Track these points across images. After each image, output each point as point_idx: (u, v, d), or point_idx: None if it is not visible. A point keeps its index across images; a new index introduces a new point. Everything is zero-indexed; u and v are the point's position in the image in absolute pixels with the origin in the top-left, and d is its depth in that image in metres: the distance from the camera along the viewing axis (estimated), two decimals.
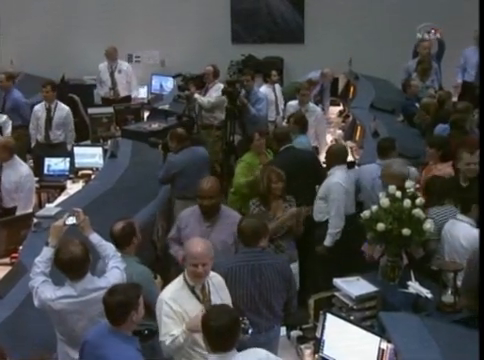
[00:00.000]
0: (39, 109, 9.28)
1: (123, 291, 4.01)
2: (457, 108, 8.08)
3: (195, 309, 4.32)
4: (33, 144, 9.34)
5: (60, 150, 9.07)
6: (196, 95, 9.18)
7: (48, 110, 9.21)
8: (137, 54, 12.82)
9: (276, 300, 4.84)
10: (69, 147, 9.20)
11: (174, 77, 10.87)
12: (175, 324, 4.29)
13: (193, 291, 4.43)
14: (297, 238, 6.15)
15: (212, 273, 4.56)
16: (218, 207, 5.64)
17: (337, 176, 6.51)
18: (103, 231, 4.92)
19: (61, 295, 4.38)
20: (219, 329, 3.77)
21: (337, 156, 6.67)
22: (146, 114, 10.16)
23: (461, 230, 5.39)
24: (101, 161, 8.50)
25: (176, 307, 4.33)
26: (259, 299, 4.77)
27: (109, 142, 8.85)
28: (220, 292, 4.53)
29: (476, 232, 5.32)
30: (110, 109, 9.65)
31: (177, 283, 4.49)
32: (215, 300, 4.46)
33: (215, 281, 4.54)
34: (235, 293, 4.70)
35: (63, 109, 9.28)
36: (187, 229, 5.61)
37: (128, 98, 11.08)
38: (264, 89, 9.81)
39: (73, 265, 4.36)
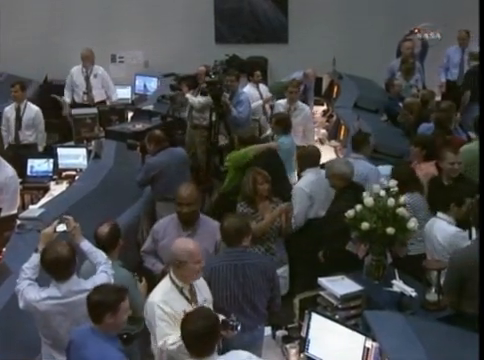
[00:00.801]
0: (8, 110, 9.23)
1: (105, 292, 4.01)
2: (440, 107, 8.12)
3: (186, 309, 4.31)
4: (6, 146, 9.28)
5: (32, 151, 8.99)
6: (187, 95, 9.16)
7: (17, 110, 9.15)
8: (120, 54, 12.76)
9: (260, 299, 4.86)
10: (40, 148, 9.14)
11: (166, 76, 10.82)
12: (170, 327, 4.28)
13: (181, 292, 4.44)
14: (286, 238, 6.14)
15: None
16: (197, 214, 5.52)
17: (303, 181, 6.62)
18: (87, 233, 4.90)
19: (45, 296, 4.37)
20: (196, 333, 3.75)
21: (308, 159, 6.70)
22: (130, 115, 10.12)
23: (439, 228, 5.44)
24: (85, 162, 8.45)
25: (168, 309, 4.33)
26: (243, 299, 4.78)
27: (93, 143, 8.80)
28: (203, 292, 4.56)
29: (453, 230, 5.38)
30: (94, 110, 9.60)
31: (165, 285, 4.48)
32: (200, 300, 4.48)
33: (198, 282, 4.55)
34: (219, 293, 4.72)
35: (32, 109, 9.21)
36: (165, 239, 5.41)
37: (103, 103, 10.72)
38: (248, 88, 9.79)
39: (58, 265, 4.35)
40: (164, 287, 4.48)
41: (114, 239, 4.95)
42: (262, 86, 10.25)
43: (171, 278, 4.46)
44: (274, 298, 4.98)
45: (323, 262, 6.01)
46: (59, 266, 4.36)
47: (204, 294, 4.55)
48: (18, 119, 9.14)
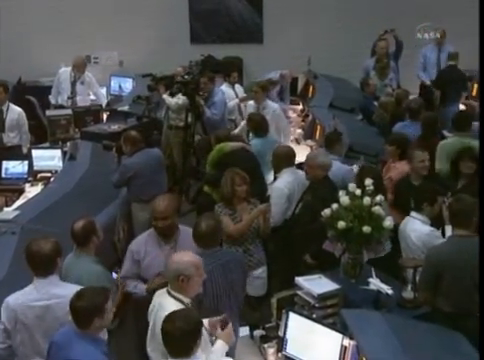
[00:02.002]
0: None
1: (89, 296, 3.96)
2: (410, 106, 8.16)
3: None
4: None
5: (16, 153, 8.90)
6: (164, 96, 9.14)
7: (0, 112, 9.07)
8: (95, 55, 12.66)
9: (241, 295, 4.95)
10: (25, 150, 9.06)
11: (144, 77, 10.78)
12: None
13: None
14: (265, 239, 6.13)
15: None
16: (176, 225, 5.27)
17: (281, 180, 6.62)
18: (62, 235, 4.88)
19: (22, 296, 4.35)
20: (172, 334, 3.75)
21: (283, 159, 6.72)
22: (105, 115, 10.06)
23: (413, 228, 5.49)
24: (60, 163, 8.38)
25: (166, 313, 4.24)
26: (231, 296, 4.81)
27: (68, 144, 8.75)
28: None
29: (427, 229, 5.43)
30: (69, 111, 9.53)
31: (170, 306, 4.17)
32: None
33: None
34: (213, 295, 4.71)
35: (15, 111, 9.12)
36: (147, 258, 5.13)
37: None
38: (224, 88, 9.79)
39: (39, 258, 4.34)
40: (170, 308, 4.10)
41: (87, 234, 4.95)
42: (238, 86, 10.25)
43: (172, 296, 4.27)
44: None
45: (303, 261, 6.01)
46: (39, 260, 4.34)
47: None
48: (1, 121, 9.05)
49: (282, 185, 6.58)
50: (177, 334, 3.74)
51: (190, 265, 4.25)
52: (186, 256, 4.33)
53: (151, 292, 4.70)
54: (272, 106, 8.94)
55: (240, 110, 9.91)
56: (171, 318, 3.83)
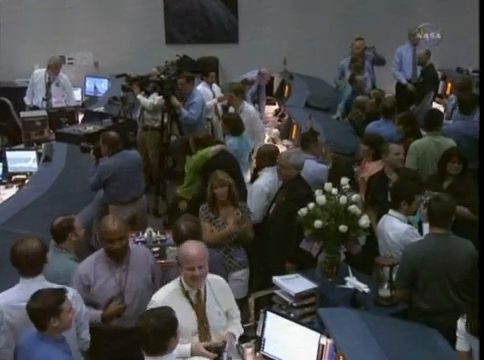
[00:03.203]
0: None
1: (43, 297, 3.95)
2: (384, 104, 8.20)
3: (188, 314, 4.31)
4: None
5: None
6: (139, 96, 9.09)
7: None
8: (70, 56, 12.57)
9: None
10: None
11: (118, 77, 10.73)
12: None
13: (187, 296, 4.39)
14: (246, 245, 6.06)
15: (214, 277, 4.55)
16: (128, 246, 4.92)
17: (262, 179, 6.64)
18: (38, 236, 4.84)
19: (8, 296, 4.33)
20: (144, 331, 3.76)
21: (266, 157, 6.73)
22: (80, 117, 10.00)
23: (391, 226, 5.52)
24: (35, 165, 8.31)
25: None
26: None
27: (43, 146, 8.67)
28: (219, 297, 4.48)
29: (405, 227, 5.46)
30: (43, 112, 9.45)
31: (171, 286, 4.45)
32: (211, 306, 4.43)
33: (215, 286, 4.49)
34: None
35: None
36: (98, 282, 4.77)
37: None
38: (201, 87, 9.76)
39: (26, 258, 4.31)
40: (169, 287, 4.45)
41: (63, 230, 4.97)
42: (215, 86, 10.24)
43: (181, 280, 4.40)
44: None
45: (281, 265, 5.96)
46: (26, 260, 4.31)
47: (220, 299, 4.46)
48: None
49: (262, 183, 6.59)
50: (148, 331, 3.76)
51: (182, 257, 4.35)
52: (187, 248, 4.37)
53: (107, 320, 4.67)
54: (248, 110, 8.78)
55: (216, 110, 9.90)
56: (145, 315, 3.86)
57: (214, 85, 10.24)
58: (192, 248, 4.36)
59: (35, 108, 10.19)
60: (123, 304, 4.69)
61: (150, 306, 4.31)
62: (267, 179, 6.62)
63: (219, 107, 10.02)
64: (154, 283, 4.88)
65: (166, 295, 4.39)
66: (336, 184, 5.40)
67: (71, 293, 4.32)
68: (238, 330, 4.58)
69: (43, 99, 10.30)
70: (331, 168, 6.46)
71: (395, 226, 5.49)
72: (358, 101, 9.11)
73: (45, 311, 3.89)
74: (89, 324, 4.52)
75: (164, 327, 3.80)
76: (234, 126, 7.80)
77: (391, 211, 5.60)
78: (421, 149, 7.02)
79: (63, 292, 4.04)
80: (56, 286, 4.34)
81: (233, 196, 5.91)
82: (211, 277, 4.54)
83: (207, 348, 4.26)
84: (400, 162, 6.53)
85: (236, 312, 4.64)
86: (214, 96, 9.99)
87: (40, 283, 4.35)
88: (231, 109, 9.00)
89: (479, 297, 3.53)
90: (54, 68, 10.34)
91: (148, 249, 5.31)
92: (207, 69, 10.42)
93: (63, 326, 3.99)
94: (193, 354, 4.22)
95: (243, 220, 5.87)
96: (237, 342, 4.58)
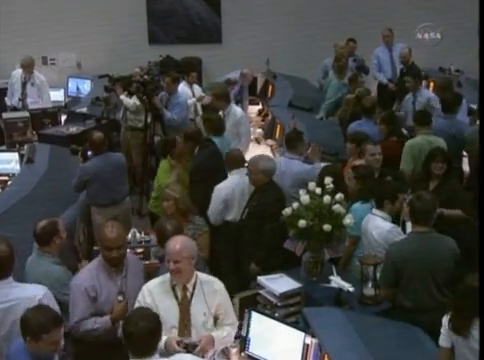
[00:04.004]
0: None
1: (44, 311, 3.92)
2: (364, 104, 8.22)
3: (170, 307, 4.35)
4: None
5: None
6: (122, 96, 9.06)
7: None
8: (52, 57, 12.51)
9: None
10: None
11: (100, 77, 10.68)
12: None
13: (173, 289, 4.43)
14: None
15: (210, 279, 4.58)
16: (126, 253, 4.88)
17: (225, 182, 6.63)
18: (21, 237, 4.82)
19: None
20: (137, 334, 3.75)
21: (233, 162, 6.71)
22: (63, 118, 9.95)
23: (374, 225, 5.53)
24: (17, 167, 8.25)
25: (149, 300, 4.36)
26: None
27: (25, 147, 8.61)
28: (209, 299, 4.46)
29: (388, 226, 5.48)
30: (26, 113, 9.40)
31: (161, 278, 4.51)
32: (196, 304, 4.43)
33: (207, 287, 4.48)
34: None
35: None
36: (104, 293, 4.69)
37: None
38: (181, 87, 9.72)
39: None
40: (160, 278, 4.52)
41: (48, 234, 4.94)
42: (196, 86, 10.21)
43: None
44: None
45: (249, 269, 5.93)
46: None
47: (209, 301, 4.45)
48: None
49: (222, 186, 6.57)
50: (142, 333, 3.75)
51: (167, 248, 4.44)
52: (173, 242, 4.43)
53: (116, 322, 4.59)
54: (235, 112, 8.60)
55: (196, 109, 9.90)
56: (132, 320, 3.83)
57: (195, 85, 10.22)
58: (176, 243, 4.43)
59: (14, 108, 10.15)
60: (125, 300, 4.63)
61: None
62: (228, 183, 6.59)
63: (198, 107, 10.00)
64: None
65: (154, 286, 4.48)
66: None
67: (42, 291, 4.35)
68: (223, 337, 4.52)
69: (19, 99, 10.25)
70: (321, 172, 6.39)
71: (379, 225, 5.51)
72: (347, 99, 9.13)
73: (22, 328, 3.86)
74: (99, 333, 4.57)
75: (156, 327, 3.83)
76: (214, 126, 7.76)
77: (375, 210, 5.62)
78: (416, 148, 7.07)
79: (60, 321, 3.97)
80: (29, 286, 4.38)
81: (183, 211, 5.77)
82: (205, 277, 4.57)
83: (179, 343, 4.25)
84: (376, 163, 6.54)
85: (230, 320, 4.59)
86: (194, 95, 9.96)
87: (11, 285, 4.37)
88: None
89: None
90: (27, 67, 10.30)
91: (135, 255, 5.30)
92: (189, 69, 10.39)
93: (44, 346, 3.88)
94: (166, 346, 4.21)
95: (193, 238, 5.56)
96: (218, 348, 4.54)
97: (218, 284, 4.58)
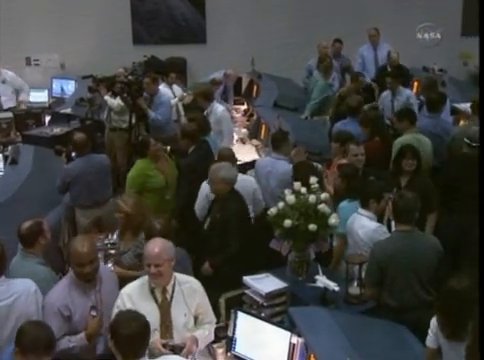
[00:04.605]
0: None
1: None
2: (349, 103, 8.25)
3: (151, 310, 4.30)
4: None
5: None
6: (106, 97, 9.04)
7: None
8: (36, 57, 12.44)
9: None
10: None
11: (84, 78, 10.64)
12: None
13: (152, 292, 4.40)
14: None
15: (187, 279, 4.56)
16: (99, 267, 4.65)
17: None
18: (5, 238, 4.80)
19: None
20: (132, 336, 3.74)
21: (224, 160, 6.66)
22: (47, 118, 9.90)
23: (360, 224, 5.55)
24: (1, 167, 8.21)
25: (129, 304, 4.31)
26: None
27: (9, 148, 8.56)
28: (188, 299, 4.46)
29: (374, 225, 5.50)
30: (9, 114, 9.34)
31: (140, 281, 4.48)
32: (177, 306, 4.43)
33: (185, 287, 4.48)
34: None
35: None
36: (78, 311, 4.48)
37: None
38: (161, 88, 9.71)
39: None
40: (138, 282, 4.48)
41: (33, 235, 4.92)
42: (175, 87, 10.18)
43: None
44: None
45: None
46: None
47: (189, 302, 4.45)
48: None
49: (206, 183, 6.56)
50: (137, 334, 3.75)
51: (146, 252, 4.41)
52: (151, 245, 4.42)
53: (91, 339, 4.43)
54: (217, 110, 8.68)
55: (178, 110, 9.89)
56: (122, 323, 3.81)
57: (175, 86, 10.21)
58: (154, 246, 4.40)
59: None
60: (99, 315, 4.48)
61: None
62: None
63: (180, 107, 10.00)
64: None
65: (132, 289, 4.44)
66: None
67: (33, 284, 4.39)
68: (204, 336, 4.53)
69: None
70: (293, 171, 6.38)
71: (364, 224, 5.53)
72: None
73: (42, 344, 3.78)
74: (77, 352, 4.41)
75: (147, 327, 3.84)
76: (199, 126, 7.76)
77: (360, 210, 5.64)
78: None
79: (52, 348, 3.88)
80: (21, 281, 4.42)
81: (133, 226, 5.58)
82: (183, 278, 4.55)
83: (164, 346, 4.24)
84: (358, 163, 6.55)
85: (208, 318, 4.62)
86: (174, 96, 9.95)
87: (5, 282, 4.40)
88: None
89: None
90: None
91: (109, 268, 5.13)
92: (169, 70, 10.38)
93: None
94: (150, 349, 4.17)
95: (134, 256, 5.50)
96: (202, 348, 4.55)
97: (196, 283, 4.58)
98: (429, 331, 4.10)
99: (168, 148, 7.55)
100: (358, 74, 9.99)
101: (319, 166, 6.95)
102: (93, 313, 4.46)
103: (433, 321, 4.06)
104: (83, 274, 4.47)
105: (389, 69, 10.25)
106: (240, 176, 6.63)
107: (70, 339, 4.41)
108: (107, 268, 4.94)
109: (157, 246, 4.40)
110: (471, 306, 3.74)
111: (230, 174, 6.01)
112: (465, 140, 6.68)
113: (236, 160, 6.78)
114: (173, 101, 9.70)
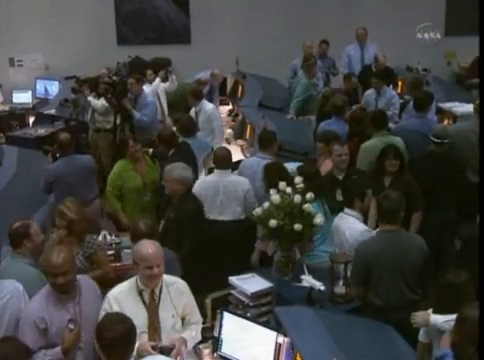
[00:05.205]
0: None
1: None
2: (334, 103, 8.25)
3: (139, 313, 4.27)
4: None
5: None
6: (89, 98, 9.01)
7: None
8: (19, 58, 12.37)
9: None
10: None
11: (67, 79, 10.60)
12: None
13: (140, 294, 4.37)
14: None
15: (173, 279, 4.52)
16: (75, 279, 4.46)
17: (204, 177, 6.75)
18: None
19: None
20: (118, 339, 3.73)
21: (218, 160, 6.71)
22: (31, 119, 9.86)
23: (348, 225, 5.56)
24: None
25: (116, 307, 4.27)
26: None
27: None
28: (175, 299, 4.44)
29: (361, 227, 5.52)
30: None
31: (127, 284, 4.43)
32: (164, 307, 4.40)
33: (172, 288, 4.45)
34: None
35: None
36: (55, 323, 4.32)
37: None
38: (145, 88, 9.68)
39: None
40: (124, 285, 4.43)
41: (19, 236, 4.91)
42: (156, 82, 10.17)
43: (136, 278, 4.39)
44: None
45: None
46: None
47: (176, 303, 4.43)
48: None
49: (199, 181, 6.64)
50: (122, 337, 3.73)
51: (137, 255, 4.36)
52: (142, 246, 4.37)
53: (67, 353, 4.29)
54: (206, 108, 8.74)
55: (163, 110, 9.88)
56: (107, 326, 3.79)
57: (154, 82, 10.20)
58: (149, 247, 4.35)
59: None
60: (77, 328, 4.32)
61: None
62: (207, 179, 6.67)
63: (165, 108, 9.99)
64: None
65: (119, 292, 4.40)
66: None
67: (19, 284, 4.41)
68: (192, 336, 4.53)
69: None
70: (264, 172, 6.39)
71: (352, 226, 5.53)
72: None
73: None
74: None
75: (133, 329, 3.82)
76: (184, 127, 7.75)
77: (346, 209, 5.65)
78: (372, 151, 7.05)
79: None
80: (7, 281, 4.45)
81: (77, 233, 5.45)
82: (169, 279, 4.51)
83: (153, 348, 4.22)
84: (342, 163, 6.54)
85: (195, 318, 4.61)
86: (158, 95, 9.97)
87: None
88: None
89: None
90: None
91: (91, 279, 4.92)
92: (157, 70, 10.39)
93: None
94: (138, 352, 4.15)
95: (85, 258, 5.43)
96: (190, 348, 4.55)
97: (182, 284, 4.57)
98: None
99: (150, 151, 7.48)
100: (351, 74, 10.02)
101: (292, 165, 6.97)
102: (71, 326, 4.31)
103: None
104: (56, 285, 4.33)
105: (374, 70, 10.27)
106: (233, 177, 6.66)
107: (46, 353, 4.27)
108: (88, 279, 4.73)
109: (150, 247, 4.36)
110: (470, 299, 3.83)
111: (184, 174, 6.00)
112: (431, 137, 6.71)
113: (229, 162, 6.77)
114: (161, 86, 9.71)
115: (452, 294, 4.02)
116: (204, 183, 6.58)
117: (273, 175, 5.96)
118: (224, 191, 6.49)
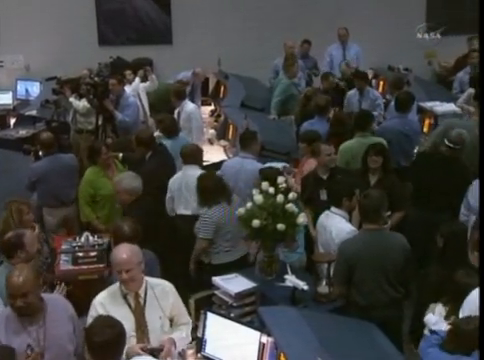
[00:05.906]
0: None
1: None
2: (317, 102, 8.27)
3: (125, 316, 4.23)
4: None
5: None
6: (71, 98, 8.96)
7: None
8: None
9: None
10: None
11: (48, 80, 10.53)
12: None
13: (125, 298, 4.36)
14: None
15: (158, 282, 4.52)
16: (40, 299, 4.17)
17: (177, 174, 6.77)
18: None
19: None
20: (106, 343, 3.71)
21: (187, 156, 6.76)
22: (12, 121, 9.80)
23: (334, 224, 5.57)
24: None
25: (102, 311, 4.24)
26: None
27: None
28: (162, 302, 4.42)
29: (347, 228, 5.53)
30: None
31: (111, 288, 4.43)
32: (151, 309, 4.39)
33: (158, 290, 4.44)
34: None
35: None
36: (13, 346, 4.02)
37: None
38: (127, 88, 9.64)
39: None
40: (109, 290, 4.44)
41: (12, 247, 4.89)
42: (135, 83, 10.14)
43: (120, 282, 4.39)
44: None
45: None
46: None
47: (163, 304, 4.41)
48: None
49: (174, 177, 6.70)
50: (111, 341, 3.72)
51: (113, 258, 4.39)
52: (118, 251, 4.37)
53: None
54: (187, 108, 8.70)
55: (144, 110, 9.85)
56: (96, 330, 3.77)
57: (133, 83, 10.17)
58: (122, 252, 4.35)
59: None
60: (36, 354, 4.07)
61: (91, 306, 4.30)
62: (179, 175, 6.71)
63: (146, 108, 9.96)
64: (75, 335, 4.27)
65: (104, 297, 4.39)
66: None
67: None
68: (181, 337, 4.51)
69: None
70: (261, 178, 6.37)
71: (338, 225, 5.54)
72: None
73: None
74: None
75: (122, 332, 3.81)
76: (167, 128, 7.74)
77: (333, 208, 5.66)
78: (350, 152, 7.07)
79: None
80: None
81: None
82: (154, 281, 4.51)
83: (143, 350, 4.20)
84: (332, 162, 6.57)
85: (184, 319, 4.60)
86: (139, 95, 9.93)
87: None
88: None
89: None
90: None
91: (64, 298, 4.72)
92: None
93: None
94: (128, 355, 4.13)
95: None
96: (179, 349, 4.53)
97: (168, 285, 4.56)
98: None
99: (120, 155, 7.43)
100: (328, 74, 10.03)
101: (287, 166, 6.96)
102: (28, 352, 4.06)
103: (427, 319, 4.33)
104: (15, 308, 4.04)
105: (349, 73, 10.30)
106: (198, 172, 6.64)
107: None
108: (59, 299, 4.51)
109: (125, 251, 4.35)
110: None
111: (133, 184, 6.06)
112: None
113: (200, 157, 6.80)
114: (141, 86, 9.70)
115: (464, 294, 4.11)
116: (176, 179, 6.69)
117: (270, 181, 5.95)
118: (187, 187, 6.53)
